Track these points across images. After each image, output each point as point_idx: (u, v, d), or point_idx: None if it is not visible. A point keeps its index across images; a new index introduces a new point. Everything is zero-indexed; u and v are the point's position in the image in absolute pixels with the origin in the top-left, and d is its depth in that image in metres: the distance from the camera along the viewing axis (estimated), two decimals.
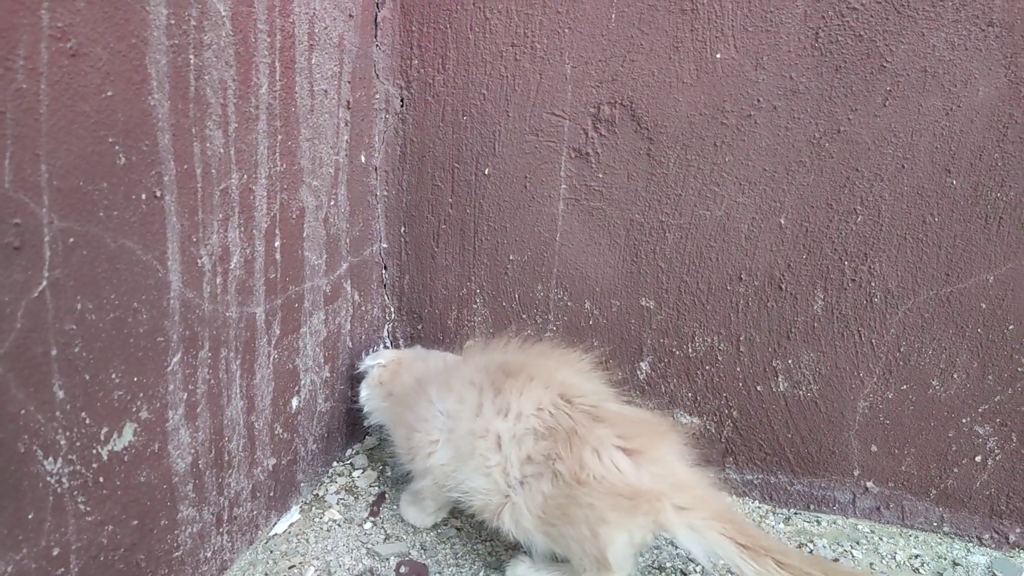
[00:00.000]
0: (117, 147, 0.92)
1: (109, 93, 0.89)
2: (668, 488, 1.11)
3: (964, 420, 1.45)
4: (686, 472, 1.16)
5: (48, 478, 0.89)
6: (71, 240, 0.88)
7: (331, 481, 1.59)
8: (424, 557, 1.38)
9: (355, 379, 1.61)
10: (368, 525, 1.46)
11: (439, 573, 1.34)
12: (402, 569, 1.33)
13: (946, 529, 1.51)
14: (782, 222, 1.45)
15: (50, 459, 0.89)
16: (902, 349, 1.45)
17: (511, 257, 1.63)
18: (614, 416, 1.19)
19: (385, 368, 1.51)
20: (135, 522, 1.05)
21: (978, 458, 1.46)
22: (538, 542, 1.21)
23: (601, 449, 1.14)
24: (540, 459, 1.17)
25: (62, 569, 0.93)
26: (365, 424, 1.59)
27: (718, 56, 1.41)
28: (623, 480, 1.11)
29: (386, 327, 1.78)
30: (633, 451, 1.15)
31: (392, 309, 1.77)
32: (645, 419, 1.23)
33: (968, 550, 1.46)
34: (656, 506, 1.09)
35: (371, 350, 1.72)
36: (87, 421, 0.94)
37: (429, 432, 1.31)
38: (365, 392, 1.53)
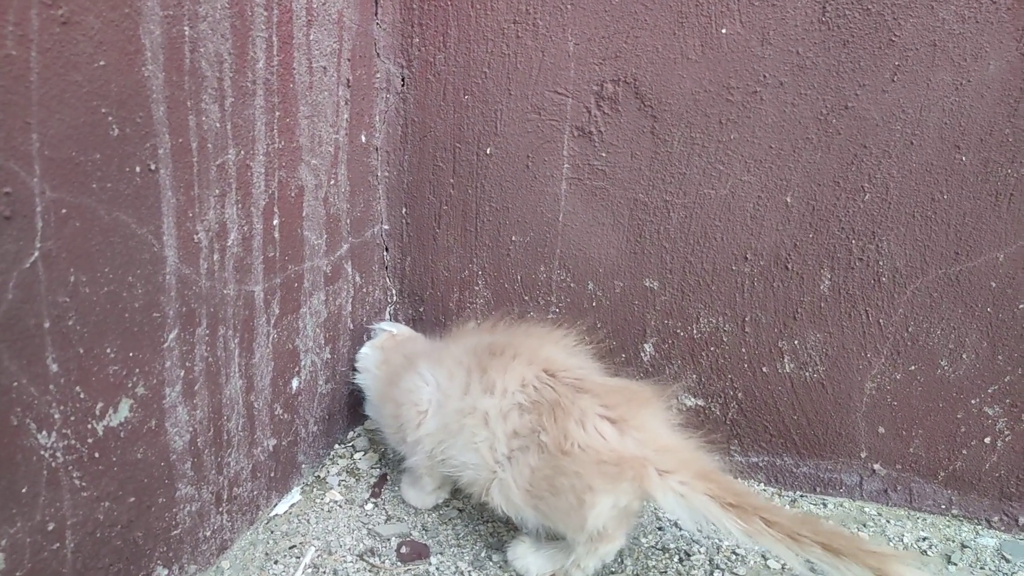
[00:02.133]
0: (110, 118, 0.91)
1: (102, 63, 0.88)
2: (651, 453, 1.11)
3: (973, 401, 1.43)
4: (669, 436, 1.16)
5: (42, 452, 0.89)
6: (64, 211, 0.87)
7: (332, 463, 1.58)
8: (425, 538, 1.37)
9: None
10: (369, 506, 1.45)
11: (440, 553, 1.33)
12: (403, 549, 1.32)
13: (955, 511, 1.49)
14: (788, 200, 1.43)
15: (44, 433, 0.88)
16: (910, 329, 1.43)
17: (513, 238, 1.61)
18: (597, 386, 1.19)
19: (393, 338, 1.53)
20: (132, 499, 1.04)
21: (987, 439, 1.44)
22: (528, 517, 1.20)
23: (585, 419, 1.14)
24: (526, 432, 1.17)
25: (57, 544, 0.93)
26: (352, 380, 1.59)
27: (723, 31, 1.38)
28: (607, 447, 1.11)
29: (388, 309, 1.77)
30: (617, 419, 1.14)
31: (394, 291, 1.75)
32: (628, 387, 1.23)
33: (977, 532, 1.44)
34: (641, 472, 1.08)
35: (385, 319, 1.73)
36: (81, 395, 0.93)
37: (417, 403, 1.31)
38: (366, 350, 1.55)
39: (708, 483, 1.06)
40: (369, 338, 1.60)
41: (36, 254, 0.84)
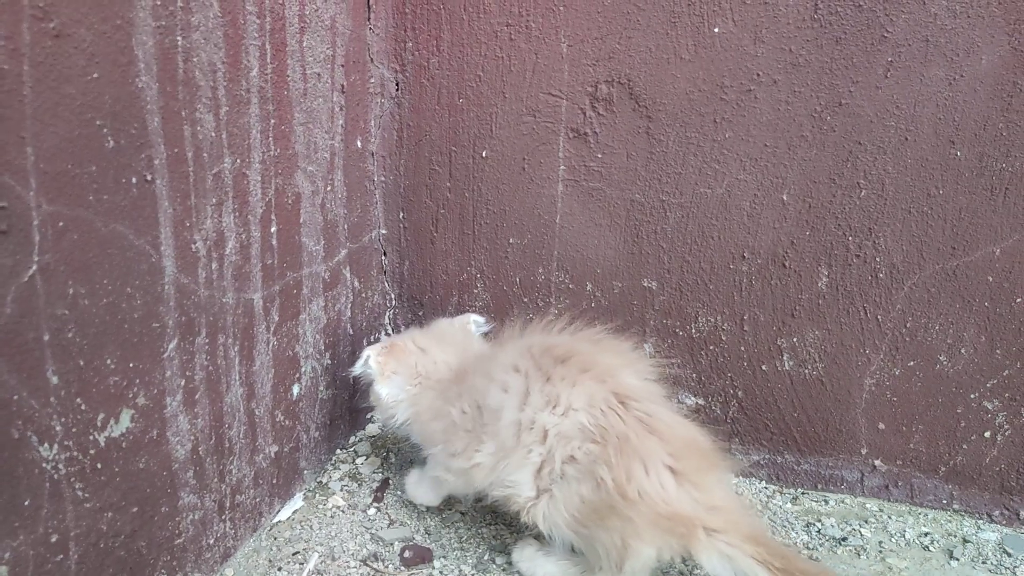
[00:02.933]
0: (105, 130, 0.91)
1: (95, 75, 0.88)
2: (702, 512, 1.08)
3: (972, 396, 1.43)
4: (723, 495, 1.13)
5: (44, 464, 0.89)
6: (61, 224, 0.87)
7: (334, 468, 1.59)
8: (429, 541, 1.37)
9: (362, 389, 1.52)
10: (372, 511, 1.45)
11: (444, 557, 1.33)
12: (406, 554, 1.32)
13: (956, 506, 1.49)
14: (784, 198, 1.43)
15: (45, 445, 0.89)
16: (908, 325, 1.43)
17: (511, 240, 1.62)
18: (666, 431, 1.14)
19: (386, 352, 1.38)
20: (135, 509, 1.05)
21: (987, 434, 1.44)
22: (565, 536, 1.17)
23: (649, 464, 1.09)
24: (585, 461, 1.12)
25: (61, 556, 0.93)
26: (396, 427, 1.43)
27: (716, 30, 1.39)
28: (664, 500, 1.08)
29: (387, 314, 1.77)
30: (679, 472, 1.11)
31: (393, 296, 1.76)
32: (695, 440, 1.18)
33: (978, 527, 1.45)
34: (690, 532, 1.07)
35: (374, 337, 1.72)
36: (83, 407, 0.93)
37: (479, 436, 1.22)
38: (385, 390, 1.38)
39: (756, 547, 1.05)
40: (364, 379, 1.43)
41: (34, 267, 0.84)
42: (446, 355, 1.40)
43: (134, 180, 0.96)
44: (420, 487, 1.41)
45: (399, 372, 1.38)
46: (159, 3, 0.96)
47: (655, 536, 1.08)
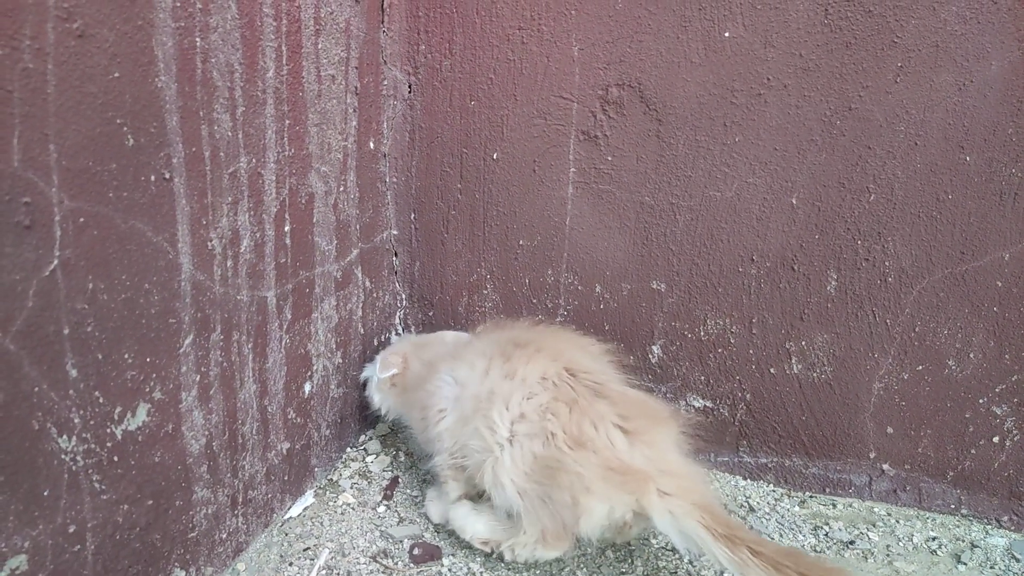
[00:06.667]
0: (125, 128, 0.93)
1: (116, 74, 0.90)
2: (656, 472, 1.13)
3: (981, 400, 1.43)
4: (676, 460, 1.18)
5: (63, 456, 0.91)
6: (81, 220, 0.89)
7: (344, 466, 1.60)
8: (437, 539, 1.38)
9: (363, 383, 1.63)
10: (382, 509, 1.47)
11: (452, 555, 1.34)
12: (416, 551, 1.34)
13: (964, 511, 1.49)
14: (794, 202, 1.44)
15: (64, 437, 0.90)
16: (917, 329, 1.44)
17: (521, 242, 1.63)
18: (616, 395, 1.21)
19: (398, 374, 1.52)
20: (150, 502, 1.06)
21: (996, 439, 1.44)
22: (509, 498, 1.21)
23: (599, 423, 1.16)
24: (535, 418, 1.19)
25: (78, 546, 0.95)
26: (384, 421, 1.62)
27: (727, 35, 1.39)
28: (616, 455, 1.13)
29: (397, 314, 1.79)
30: (630, 431, 1.17)
31: (403, 296, 1.77)
32: (646, 402, 1.25)
33: (986, 532, 1.45)
34: (642, 487, 1.11)
35: (385, 336, 1.73)
36: (100, 400, 0.95)
37: (438, 402, 1.35)
38: (378, 396, 1.56)
39: (703, 513, 1.09)
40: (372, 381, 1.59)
41: (55, 262, 0.86)
42: (421, 361, 1.50)
43: (153, 178, 0.98)
44: (436, 503, 1.44)
45: (395, 385, 1.53)
46: (179, 5, 0.98)
47: (606, 491, 1.12)
